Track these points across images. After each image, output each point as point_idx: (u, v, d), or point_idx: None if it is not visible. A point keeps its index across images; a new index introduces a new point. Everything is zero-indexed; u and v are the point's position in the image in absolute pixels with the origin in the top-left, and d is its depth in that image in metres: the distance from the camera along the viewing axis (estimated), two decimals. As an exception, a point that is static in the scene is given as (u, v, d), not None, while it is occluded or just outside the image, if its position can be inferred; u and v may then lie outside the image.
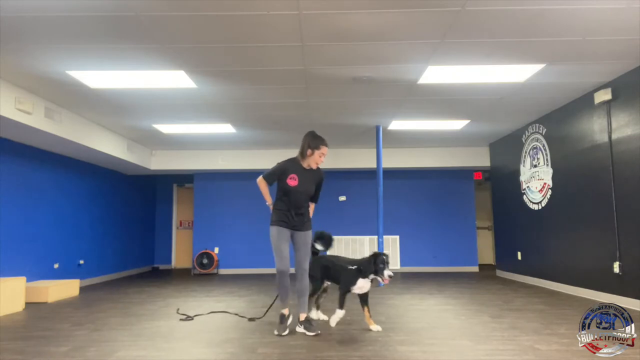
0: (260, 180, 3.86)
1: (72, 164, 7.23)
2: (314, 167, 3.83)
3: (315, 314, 4.18)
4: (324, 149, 3.79)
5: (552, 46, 4.09)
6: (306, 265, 3.83)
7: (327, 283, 4.20)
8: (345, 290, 3.81)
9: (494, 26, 3.68)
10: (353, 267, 3.81)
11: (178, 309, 4.89)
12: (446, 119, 6.66)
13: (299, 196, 3.76)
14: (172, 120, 6.55)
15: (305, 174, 3.80)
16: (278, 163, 3.85)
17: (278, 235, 3.73)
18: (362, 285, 3.78)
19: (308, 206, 3.91)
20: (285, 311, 3.77)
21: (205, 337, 3.64)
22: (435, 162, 8.85)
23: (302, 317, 3.78)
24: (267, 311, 4.47)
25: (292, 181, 3.74)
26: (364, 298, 3.89)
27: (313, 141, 3.79)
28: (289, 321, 3.77)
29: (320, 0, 3.26)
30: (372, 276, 3.72)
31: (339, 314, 3.78)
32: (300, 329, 3.77)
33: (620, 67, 4.67)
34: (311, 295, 4.08)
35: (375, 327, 3.80)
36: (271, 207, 3.84)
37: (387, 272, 3.61)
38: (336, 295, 3.90)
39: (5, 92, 4.72)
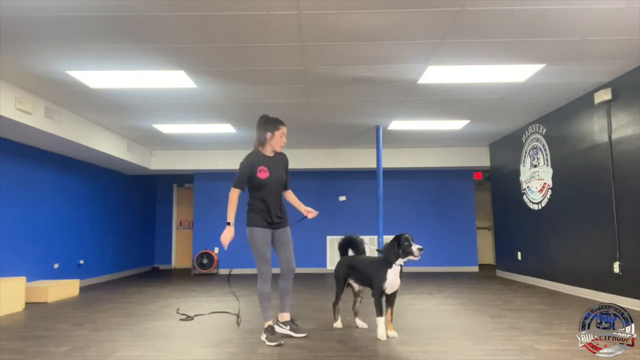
0: (232, 192, 3.47)
1: (72, 164, 7.22)
2: (278, 150, 3.60)
3: (359, 323, 3.91)
4: (283, 129, 3.58)
5: (552, 46, 4.09)
6: (294, 265, 3.64)
7: (357, 287, 3.91)
8: (379, 292, 3.45)
9: (494, 26, 3.68)
10: (378, 259, 3.56)
11: (178, 309, 4.89)
12: (446, 119, 6.66)
13: (275, 187, 3.53)
14: (172, 120, 6.55)
15: (272, 163, 3.56)
16: (241, 163, 3.51)
17: (262, 239, 3.48)
18: (393, 280, 3.45)
19: (282, 199, 3.67)
20: (271, 322, 3.50)
21: (205, 337, 3.65)
22: (435, 162, 8.85)
23: (285, 317, 3.61)
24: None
25: (263, 173, 3.48)
26: (391, 298, 3.55)
27: (270, 124, 3.57)
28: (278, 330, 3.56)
29: (320, 0, 3.26)
30: (400, 262, 3.43)
31: (380, 321, 3.45)
32: (282, 330, 3.56)
33: (620, 67, 4.67)
34: (335, 302, 3.93)
35: (392, 333, 3.52)
36: (230, 225, 3.46)
37: (415, 247, 3.34)
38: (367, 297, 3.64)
39: (5, 92, 4.72)
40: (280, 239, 3.61)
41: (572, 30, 3.76)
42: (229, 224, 3.45)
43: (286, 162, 3.71)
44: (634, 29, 3.75)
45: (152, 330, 3.92)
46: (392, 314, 3.59)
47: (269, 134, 3.56)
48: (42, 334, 3.85)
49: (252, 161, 3.51)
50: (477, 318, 4.28)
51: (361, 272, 3.73)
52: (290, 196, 3.79)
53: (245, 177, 3.49)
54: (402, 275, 3.53)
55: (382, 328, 3.46)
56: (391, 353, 3.10)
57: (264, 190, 3.52)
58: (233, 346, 3.35)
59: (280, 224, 3.60)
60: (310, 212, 3.73)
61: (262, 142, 3.59)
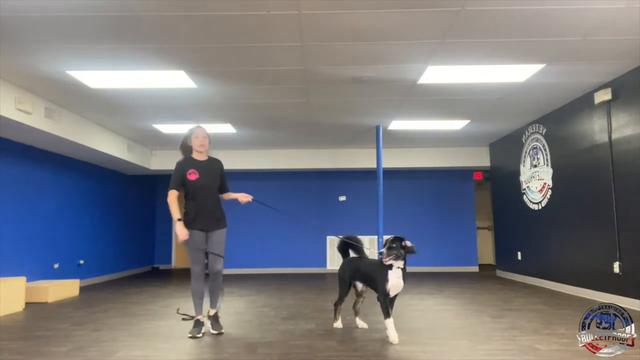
0: (169, 194, 3.66)
1: (72, 164, 7.22)
2: (198, 149, 3.77)
3: (359, 323, 3.92)
4: (196, 131, 3.78)
5: (552, 46, 4.09)
6: (219, 267, 3.80)
7: (361, 287, 3.87)
8: (384, 295, 3.42)
9: (494, 26, 3.68)
10: (380, 261, 3.50)
11: (178, 309, 4.89)
12: (446, 119, 6.66)
13: (206, 189, 3.71)
14: (172, 120, 6.55)
15: (203, 167, 3.76)
16: (175, 168, 3.76)
17: (193, 240, 3.67)
18: (395, 282, 3.42)
19: (218, 202, 3.82)
20: (201, 317, 3.75)
21: (205, 337, 3.64)
22: (435, 162, 8.85)
23: (211, 312, 3.83)
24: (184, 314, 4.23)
25: (192, 175, 3.69)
26: (391, 301, 3.51)
27: (187, 132, 3.84)
28: (204, 328, 3.73)
29: (320, 0, 3.26)
30: (398, 264, 3.40)
31: (389, 324, 3.42)
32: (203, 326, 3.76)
33: (620, 67, 4.67)
34: (338, 302, 3.90)
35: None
36: (181, 221, 3.61)
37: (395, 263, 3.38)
38: (372, 298, 3.59)
39: (5, 92, 4.72)
40: (211, 240, 3.77)
41: (572, 30, 3.76)
42: (179, 219, 3.60)
43: (220, 167, 3.90)
44: (634, 29, 3.75)
45: (151, 330, 3.92)
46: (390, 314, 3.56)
47: (189, 140, 3.83)
48: (42, 334, 3.84)
49: (182, 165, 3.76)
50: (477, 318, 4.28)
51: (366, 274, 3.71)
52: (227, 195, 3.96)
53: (178, 178, 3.70)
54: (406, 277, 3.50)
55: (392, 330, 3.39)
56: (391, 353, 3.10)
57: (193, 192, 3.71)
58: (233, 346, 3.35)
59: (213, 226, 3.75)
60: (244, 197, 3.90)
61: (187, 151, 3.85)
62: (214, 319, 3.81)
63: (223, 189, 3.91)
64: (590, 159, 5.44)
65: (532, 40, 3.94)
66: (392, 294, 3.47)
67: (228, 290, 6.47)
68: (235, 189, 4.04)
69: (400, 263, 3.43)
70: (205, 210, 3.70)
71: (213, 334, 3.72)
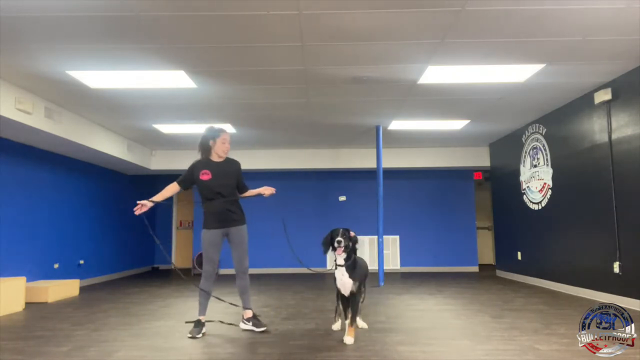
0: (172, 183, 3.85)
1: (72, 164, 7.22)
2: (221, 154, 3.83)
3: (360, 323, 3.84)
4: (224, 136, 3.82)
5: (552, 46, 4.09)
6: (246, 263, 3.85)
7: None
8: (336, 292, 3.52)
9: (494, 26, 3.68)
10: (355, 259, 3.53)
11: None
12: (446, 119, 6.66)
13: (215, 190, 3.74)
14: (172, 120, 6.55)
15: (218, 167, 3.80)
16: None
17: (209, 240, 3.75)
18: (339, 279, 3.44)
19: (234, 201, 3.83)
20: (202, 318, 3.75)
21: (206, 337, 3.64)
22: (435, 162, 8.85)
23: (249, 314, 3.86)
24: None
25: (205, 176, 3.75)
26: (346, 301, 3.49)
27: (211, 132, 3.84)
28: (204, 328, 3.72)
29: (320, 0, 3.26)
30: (341, 257, 3.42)
31: (335, 327, 3.55)
32: (246, 327, 3.84)
33: (620, 67, 4.67)
34: (337, 301, 3.86)
35: (347, 339, 3.34)
36: (141, 205, 3.75)
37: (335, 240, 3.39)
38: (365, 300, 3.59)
39: (5, 92, 4.72)
40: (234, 240, 3.82)
41: (572, 30, 3.76)
42: (152, 200, 3.78)
43: (237, 167, 3.92)
44: (634, 29, 3.75)
45: (151, 330, 3.92)
46: (352, 317, 3.43)
47: (211, 142, 3.82)
48: (42, 334, 3.85)
49: (195, 165, 3.82)
50: (477, 318, 4.28)
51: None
52: (248, 193, 4.01)
53: (187, 177, 3.82)
54: (360, 274, 3.47)
55: (341, 326, 3.59)
56: (391, 353, 3.10)
57: (208, 192, 3.76)
58: (233, 346, 3.35)
59: (230, 222, 3.79)
60: (266, 190, 3.94)
61: (206, 150, 3.84)
62: (255, 319, 3.84)
63: (241, 189, 3.95)
64: (590, 159, 5.44)
65: (532, 40, 3.94)
66: (345, 293, 3.49)
67: (228, 291, 6.47)
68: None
69: (343, 256, 3.44)
70: (217, 211, 3.74)
71: (259, 331, 3.74)
